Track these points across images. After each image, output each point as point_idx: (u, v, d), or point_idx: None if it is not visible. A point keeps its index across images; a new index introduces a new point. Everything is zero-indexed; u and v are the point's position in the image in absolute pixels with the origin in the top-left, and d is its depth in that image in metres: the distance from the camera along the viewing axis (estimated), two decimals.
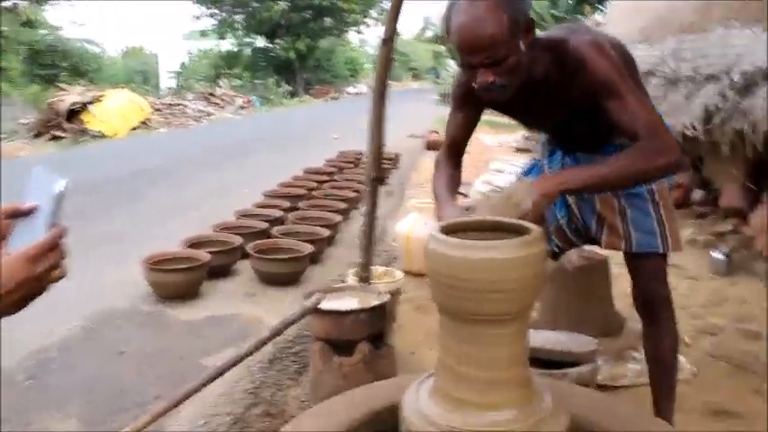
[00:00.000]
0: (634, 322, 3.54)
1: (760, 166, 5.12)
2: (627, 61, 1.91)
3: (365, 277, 3.00)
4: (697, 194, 5.87)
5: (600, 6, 14.42)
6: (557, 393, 1.47)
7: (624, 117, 1.72)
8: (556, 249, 2.30)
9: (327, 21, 32.75)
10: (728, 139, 4.36)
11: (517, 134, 13.80)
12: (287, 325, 2.49)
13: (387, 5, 2.97)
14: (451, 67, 42.46)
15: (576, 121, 1.98)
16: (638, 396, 2.85)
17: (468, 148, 2.13)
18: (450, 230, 1.54)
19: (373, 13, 35.55)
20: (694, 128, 4.47)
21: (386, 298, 2.77)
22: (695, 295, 3.40)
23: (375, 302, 2.73)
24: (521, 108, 1.96)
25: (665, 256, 2.19)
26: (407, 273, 4.36)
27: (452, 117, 2.10)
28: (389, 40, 2.74)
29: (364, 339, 2.62)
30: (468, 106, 1.98)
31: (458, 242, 1.42)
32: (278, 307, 3.74)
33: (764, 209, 4.86)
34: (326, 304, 2.63)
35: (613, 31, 4.35)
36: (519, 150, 12.45)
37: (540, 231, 1.45)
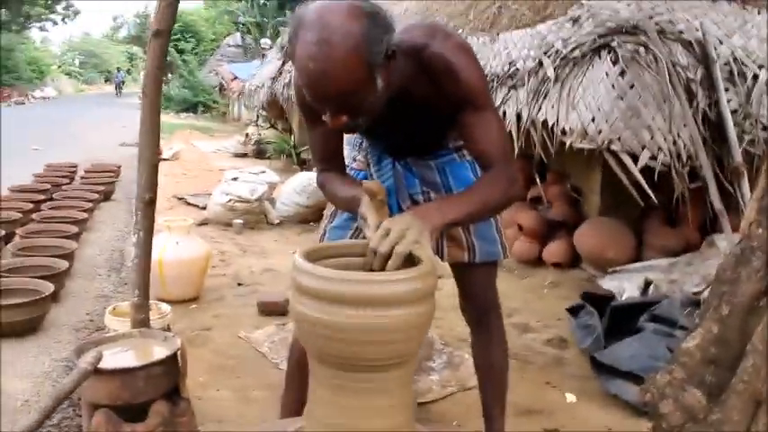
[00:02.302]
0: None
1: None
2: None
3: (143, 320, 2.52)
4: None
5: None
6: None
7: (482, 136, 1.61)
8: None
9: (3, 13, 28.97)
10: None
11: (233, 139, 13.47)
12: (61, 399, 1.95)
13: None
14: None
15: (423, 129, 1.80)
16: (453, 407, 2.80)
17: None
18: (313, 258, 1.29)
19: (59, 8, 32.42)
20: None
21: (177, 343, 2.34)
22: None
23: (165, 351, 2.29)
24: (372, 126, 1.71)
25: (496, 262, 2.12)
26: (163, 301, 3.87)
27: (312, 134, 1.80)
28: (164, 32, 2.29)
29: (161, 398, 2.17)
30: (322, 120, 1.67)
31: (347, 275, 1.17)
32: (22, 366, 2.91)
33: None
34: (105, 361, 2.13)
35: None
36: (237, 156, 12.13)
37: (432, 261, 1.26)
